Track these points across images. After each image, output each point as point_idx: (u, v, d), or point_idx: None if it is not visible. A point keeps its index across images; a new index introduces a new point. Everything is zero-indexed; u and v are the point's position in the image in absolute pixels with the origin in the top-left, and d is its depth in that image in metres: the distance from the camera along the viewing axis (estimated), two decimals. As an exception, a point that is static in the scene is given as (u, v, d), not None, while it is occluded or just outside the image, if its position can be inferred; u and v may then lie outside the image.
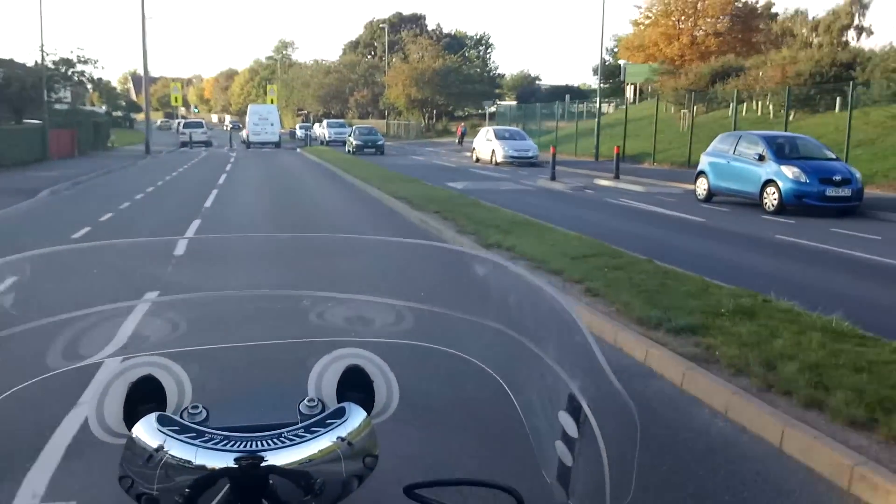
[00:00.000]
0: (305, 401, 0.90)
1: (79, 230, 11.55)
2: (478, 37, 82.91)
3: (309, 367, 0.96)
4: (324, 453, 0.77)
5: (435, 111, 72.07)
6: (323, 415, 0.84)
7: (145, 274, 1.07)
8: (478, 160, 32.87)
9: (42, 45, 29.50)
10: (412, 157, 36.64)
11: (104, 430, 0.89)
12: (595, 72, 78.28)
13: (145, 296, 1.01)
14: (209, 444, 0.75)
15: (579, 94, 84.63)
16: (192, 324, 1.01)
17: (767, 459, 3.85)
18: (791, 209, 14.42)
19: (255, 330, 1.10)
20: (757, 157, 15.23)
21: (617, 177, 21.85)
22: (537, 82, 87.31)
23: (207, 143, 49.51)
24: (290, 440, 0.78)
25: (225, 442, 0.76)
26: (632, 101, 57.40)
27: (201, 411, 0.87)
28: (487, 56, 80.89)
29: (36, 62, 33.52)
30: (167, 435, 0.77)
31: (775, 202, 14.63)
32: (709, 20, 55.41)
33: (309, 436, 0.79)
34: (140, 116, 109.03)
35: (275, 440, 0.77)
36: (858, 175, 14.86)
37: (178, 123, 53.05)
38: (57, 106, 35.64)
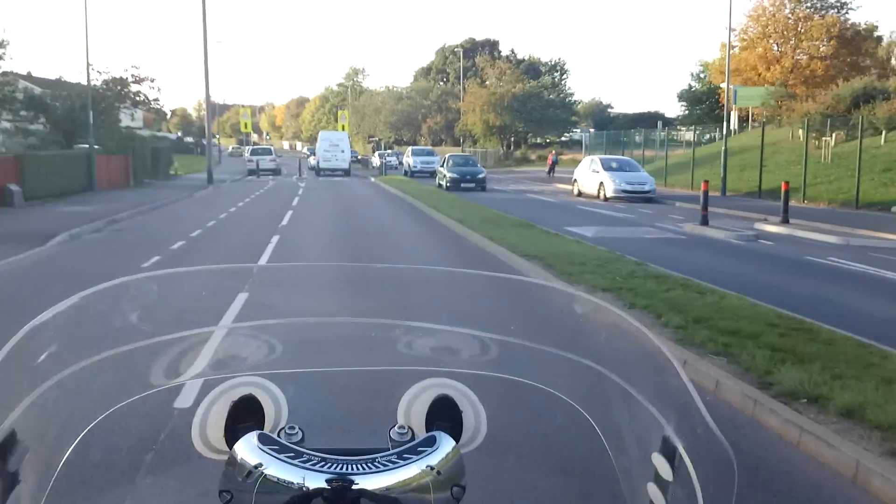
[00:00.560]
0: (396, 427, 0.91)
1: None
2: (552, 62, 78.44)
3: (398, 394, 0.96)
4: (413, 480, 0.78)
5: (513, 138, 67.79)
6: (414, 442, 0.84)
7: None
8: (580, 194, 28.24)
9: (88, 62, 26.06)
10: (500, 191, 32.14)
11: (206, 445, 0.91)
12: (680, 97, 73.24)
13: (245, 319, 1.02)
14: (306, 465, 0.77)
15: (663, 121, 79.51)
16: (289, 347, 1.04)
17: None
18: None
19: (347, 356, 1.11)
20: None
21: (786, 220, 16.90)
22: (609, 110, 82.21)
23: (276, 171, 46.32)
24: (383, 465, 0.78)
25: (320, 463, 0.77)
26: (735, 128, 52.12)
27: (297, 432, 0.88)
28: (562, 82, 76.27)
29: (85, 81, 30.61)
30: (266, 453, 0.78)
31: None
32: (812, 43, 49.92)
33: (401, 462, 0.79)
34: (218, 143, 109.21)
35: (367, 464, 0.78)
36: None
37: (247, 150, 50.01)
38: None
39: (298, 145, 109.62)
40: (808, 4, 49.62)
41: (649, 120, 77.27)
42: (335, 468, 0.77)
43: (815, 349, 5.71)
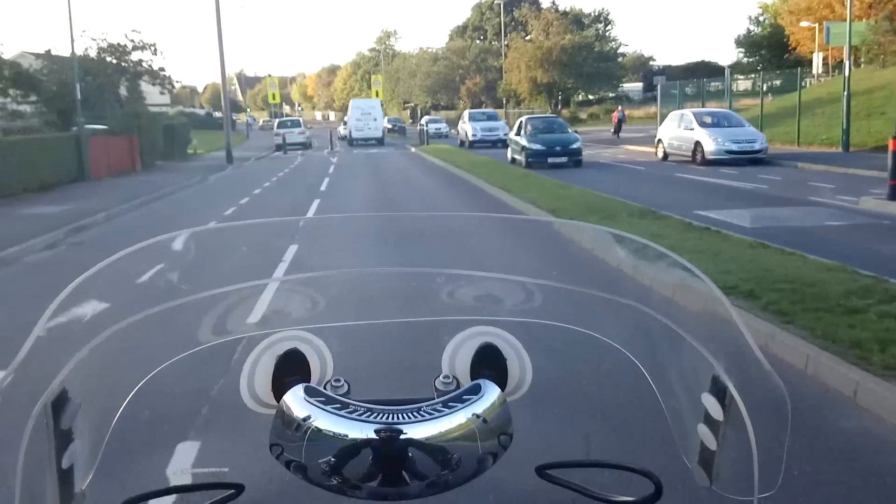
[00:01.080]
0: (441, 377, 0.91)
1: None
2: (595, 13, 71.93)
3: (443, 344, 0.96)
4: (460, 429, 0.78)
5: (560, 96, 62.33)
6: (459, 391, 0.83)
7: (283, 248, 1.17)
8: (666, 156, 23.32)
9: (71, 22, 21.65)
10: None
11: (254, 400, 0.91)
12: (739, 43, 66.80)
13: (285, 272, 0.90)
14: (353, 416, 0.77)
15: (719, 71, 73.33)
16: (331, 300, 1.03)
17: None
18: None
19: (390, 307, 1.09)
20: None
21: None
22: (651, 62, 75.51)
23: (305, 145, 41.96)
24: (429, 414, 0.78)
25: (367, 413, 0.77)
26: (819, 72, 46.11)
27: (343, 384, 0.89)
28: (607, 34, 69.99)
29: (82, 51, 26.31)
30: (314, 405, 0.78)
31: None
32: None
33: (446, 410, 0.78)
34: (241, 117, 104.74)
35: (413, 413, 0.78)
36: None
37: (275, 123, 45.52)
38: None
39: (331, 115, 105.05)
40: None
41: (702, 70, 71.09)
42: (382, 418, 0.76)
43: None
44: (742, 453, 0.72)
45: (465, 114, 40.29)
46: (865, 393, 4.10)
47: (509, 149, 24.83)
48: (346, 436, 0.76)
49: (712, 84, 40.61)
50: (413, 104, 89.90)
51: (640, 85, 71.03)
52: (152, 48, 27.36)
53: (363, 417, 0.77)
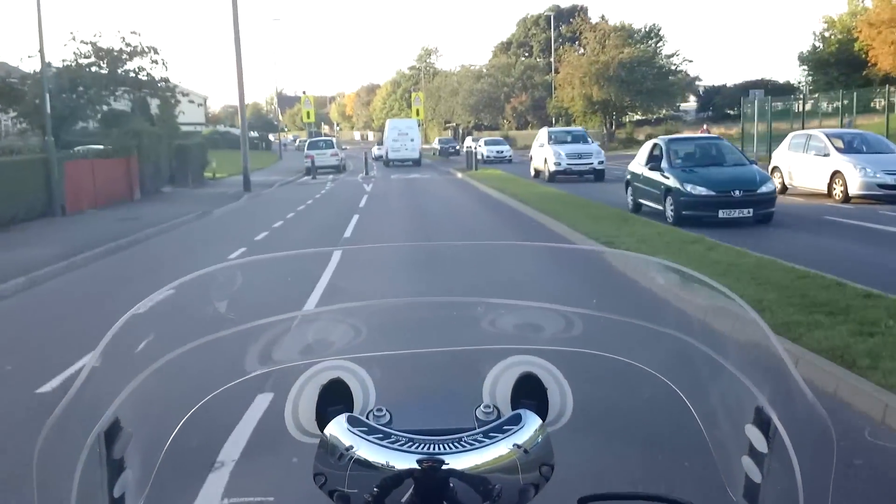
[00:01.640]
0: (481, 407, 0.91)
1: None
2: (646, 29, 66.63)
3: (483, 373, 0.96)
4: (501, 460, 0.77)
5: (615, 115, 57.35)
6: (499, 421, 0.83)
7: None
8: (785, 189, 18.34)
9: (40, 30, 17.31)
10: None
11: (298, 429, 0.93)
12: (803, 61, 61.32)
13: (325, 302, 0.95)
14: (395, 446, 0.78)
15: (780, 90, 68.15)
16: (373, 329, 1.05)
17: None
18: None
19: (431, 336, 1.10)
20: None
21: None
22: (697, 83, 69.90)
23: (338, 168, 37.76)
24: (470, 445, 0.78)
25: (409, 444, 0.78)
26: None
27: (385, 414, 0.89)
28: (658, 50, 64.86)
29: (71, 57, 22.29)
30: (356, 435, 0.79)
31: None
32: None
33: (487, 441, 0.78)
34: (288, 136, 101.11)
35: (454, 444, 0.78)
36: None
37: (305, 144, 41.11)
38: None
39: (370, 135, 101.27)
40: None
41: (764, 89, 65.92)
42: (424, 448, 0.77)
43: None
44: (788, 486, 0.71)
45: (543, 133, 29.16)
46: None
47: (629, 189, 15.90)
48: (389, 466, 0.76)
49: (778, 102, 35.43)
50: (454, 124, 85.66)
51: (692, 104, 65.77)
52: (151, 53, 23.13)
53: (405, 448, 0.77)
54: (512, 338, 1.02)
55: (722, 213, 12.87)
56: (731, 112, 68.67)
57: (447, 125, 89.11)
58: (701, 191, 13.14)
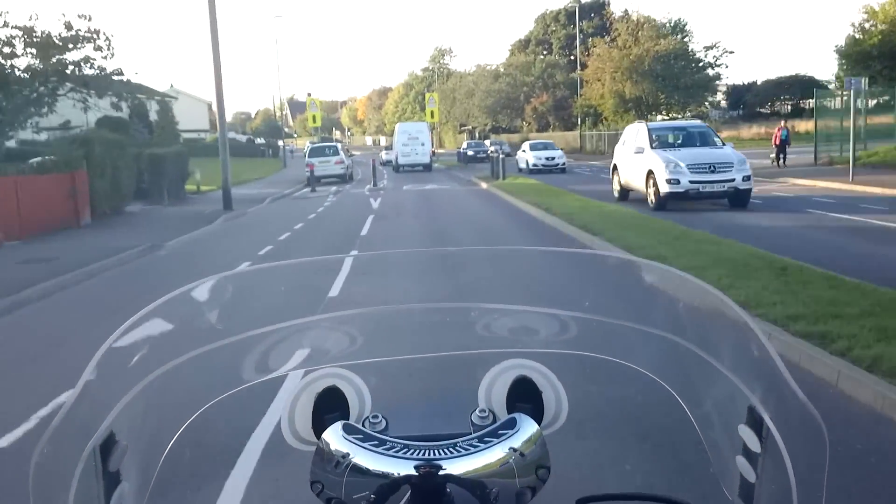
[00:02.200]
0: (477, 411, 0.92)
1: None
2: (672, 23, 61.07)
3: (478, 378, 0.97)
4: (498, 463, 0.78)
5: (647, 115, 52.36)
6: (495, 425, 0.84)
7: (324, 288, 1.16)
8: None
9: None
10: (724, 206, 16.05)
11: (295, 437, 0.94)
12: (842, 55, 56.30)
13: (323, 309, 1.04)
14: (391, 452, 0.78)
15: (814, 85, 62.83)
16: (368, 337, 1.05)
17: None
18: None
19: (425, 342, 1.11)
20: None
21: None
22: (718, 81, 64.56)
23: (343, 178, 33.22)
24: (466, 449, 0.78)
25: (405, 450, 0.78)
26: None
27: (381, 420, 0.90)
28: (686, 45, 59.78)
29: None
30: (352, 443, 0.80)
31: None
32: None
33: (483, 445, 0.79)
34: (292, 142, 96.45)
35: (451, 449, 0.78)
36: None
37: (305, 150, 36.40)
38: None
39: (382, 140, 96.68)
40: None
41: (799, 85, 61.09)
42: (420, 454, 0.77)
43: None
44: (782, 485, 0.72)
45: (636, 131, 18.39)
46: None
47: None
48: (386, 472, 0.76)
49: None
50: (470, 127, 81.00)
51: (720, 101, 60.68)
52: (98, 38, 18.37)
53: (401, 454, 0.77)
54: (506, 342, 1.02)
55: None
56: (763, 111, 64.00)
57: (462, 128, 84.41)
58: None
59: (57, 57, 17.85)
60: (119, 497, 0.78)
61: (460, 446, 0.78)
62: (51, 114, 18.81)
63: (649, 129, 17.53)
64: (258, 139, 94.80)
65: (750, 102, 57.61)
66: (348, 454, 0.78)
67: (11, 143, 18.39)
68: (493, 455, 0.78)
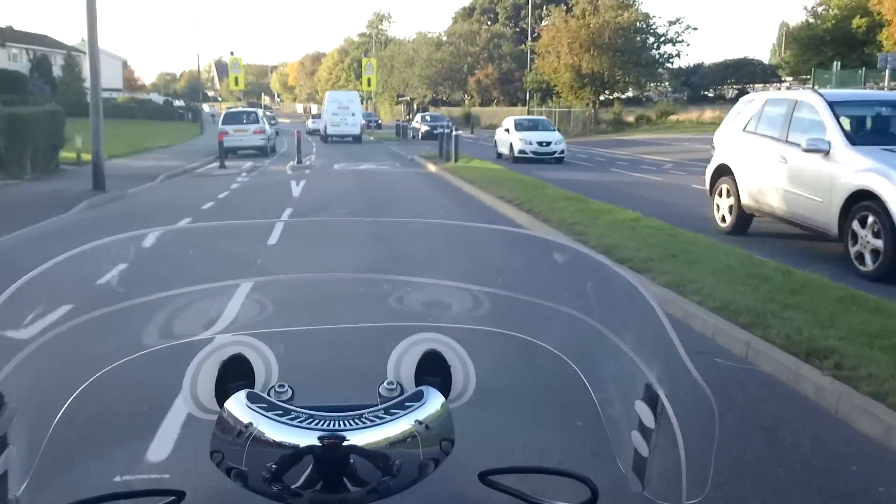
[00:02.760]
0: (385, 383, 0.91)
1: None
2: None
3: (388, 350, 0.96)
4: (402, 435, 0.79)
5: (602, 92, 48.56)
6: (402, 397, 0.85)
7: (240, 256, 1.04)
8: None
9: None
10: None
11: (197, 406, 0.91)
12: (794, 39, 54.07)
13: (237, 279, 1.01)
14: (295, 422, 0.77)
15: (762, 69, 60.85)
16: (278, 305, 1.04)
17: None
18: None
19: (337, 312, 1.09)
20: None
21: None
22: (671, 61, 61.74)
23: (263, 151, 28.25)
24: (371, 421, 0.79)
25: (309, 420, 0.78)
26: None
27: (287, 390, 0.88)
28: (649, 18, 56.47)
29: None
30: (256, 412, 0.78)
31: None
32: None
33: (388, 417, 0.80)
34: (215, 107, 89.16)
35: (356, 420, 0.78)
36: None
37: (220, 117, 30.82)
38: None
39: (314, 108, 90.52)
40: None
41: (744, 69, 58.68)
42: (325, 425, 0.77)
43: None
44: (673, 460, 0.74)
45: (760, 100, 10.17)
46: None
47: None
48: (288, 443, 0.75)
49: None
50: (408, 98, 76.08)
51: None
52: None
53: (305, 424, 0.76)
54: (418, 315, 1.01)
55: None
56: (709, 94, 61.33)
57: (400, 99, 79.43)
58: None
59: None
60: (5, 461, 0.75)
61: (365, 417, 0.78)
62: None
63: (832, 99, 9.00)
64: (177, 101, 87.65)
65: (696, 85, 54.77)
66: (251, 423, 0.76)
67: None
68: (398, 427, 0.78)
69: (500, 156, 25.46)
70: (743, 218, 9.90)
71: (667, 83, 47.81)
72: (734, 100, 49.80)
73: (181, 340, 0.95)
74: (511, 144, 24.51)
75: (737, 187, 9.82)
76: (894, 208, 6.83)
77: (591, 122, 45.76)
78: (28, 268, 0.85)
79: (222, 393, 0.89)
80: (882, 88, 29.91)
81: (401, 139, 40.52)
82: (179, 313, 0.95)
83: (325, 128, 38.57)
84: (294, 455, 0.75)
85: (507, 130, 25.25)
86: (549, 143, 24.08)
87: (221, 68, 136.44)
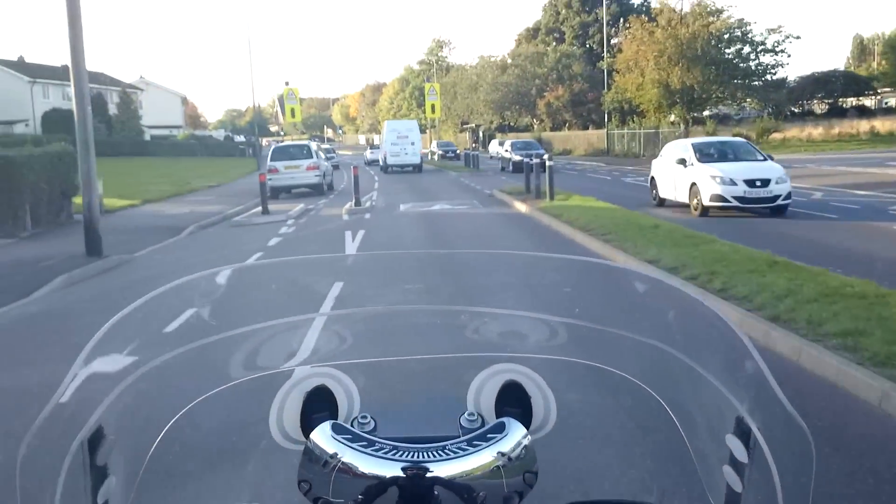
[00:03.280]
0: (466, 414, 0.92)
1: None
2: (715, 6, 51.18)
3: (467, 381, 0.96)
4: (485, 467, 0.78)
5: (694, 109, 43.53)
6: (483, 429, 0.84)
7: (319, 289, 1.13)
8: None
9: None
10: None
11: (283, 436, 0.93)
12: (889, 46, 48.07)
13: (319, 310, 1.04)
14: (379, 453, 0.78)
15: (856, 81, 54.82)
16: (358, 337, 1.05)
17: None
18: None
19: (416, 344, 1.10)
20: None
21: None
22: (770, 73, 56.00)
23: (318, 189, 24.55)
24: (454, 452, 0.79)
25: (393, 451, 0.78)
26: None
27: (370, 421, 0.90)
28: (746, 25, 51.00)
29: None
30: (341, 443, 0.79)
31: None
32: None
33: (471, 449, 0.79)
34: (278, 141, 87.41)
35: (439, 452, 0.78)
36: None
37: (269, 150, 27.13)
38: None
39: (375, 138, 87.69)
40: None
41: (835, 82, 52.98)
42: (408, 456, 0.77)
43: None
44: (768, 495, 0.72)
45: None
46: None
47: None
48: (374, 474, 0.76)
49: None
50: (473, 125, 72.19)
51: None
52: None
53: (389, 455, 0.77)
54: (496, 346, 1.03)
55: None
56: (796, 110, 55.67)
57: (465, 126, 75.59)
58: None
59: None
60: (106, 491, 0.78)
61: (448, 449, 0.78)
62: None
63: None
64: (238, 137, 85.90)
65: (779, 101, 49.44)
66: (336, 454, 0.77)
67: None
68: (481, 458, 0.78)
69: (662, 202, 17.04)
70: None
71: (766, 99, 42.58)
72: (826, 115, 44.16)
73: (268, 372, 0.96)
74: (694, 185, 15.21)
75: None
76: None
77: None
78: None
79: (306, 424, 0.90)
80: None
81: (471, 169, 36.45)
82: (265, 345, 0.96)
83: (385, 158, 37.83)
84: (379, 486, 0.75)
85: (683, 162, 15.90)
86: (766, 183, 14.42)
87: (283, 103, 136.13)
